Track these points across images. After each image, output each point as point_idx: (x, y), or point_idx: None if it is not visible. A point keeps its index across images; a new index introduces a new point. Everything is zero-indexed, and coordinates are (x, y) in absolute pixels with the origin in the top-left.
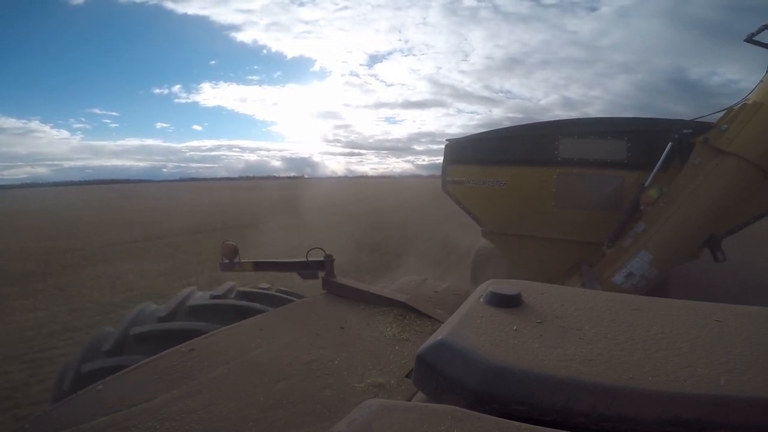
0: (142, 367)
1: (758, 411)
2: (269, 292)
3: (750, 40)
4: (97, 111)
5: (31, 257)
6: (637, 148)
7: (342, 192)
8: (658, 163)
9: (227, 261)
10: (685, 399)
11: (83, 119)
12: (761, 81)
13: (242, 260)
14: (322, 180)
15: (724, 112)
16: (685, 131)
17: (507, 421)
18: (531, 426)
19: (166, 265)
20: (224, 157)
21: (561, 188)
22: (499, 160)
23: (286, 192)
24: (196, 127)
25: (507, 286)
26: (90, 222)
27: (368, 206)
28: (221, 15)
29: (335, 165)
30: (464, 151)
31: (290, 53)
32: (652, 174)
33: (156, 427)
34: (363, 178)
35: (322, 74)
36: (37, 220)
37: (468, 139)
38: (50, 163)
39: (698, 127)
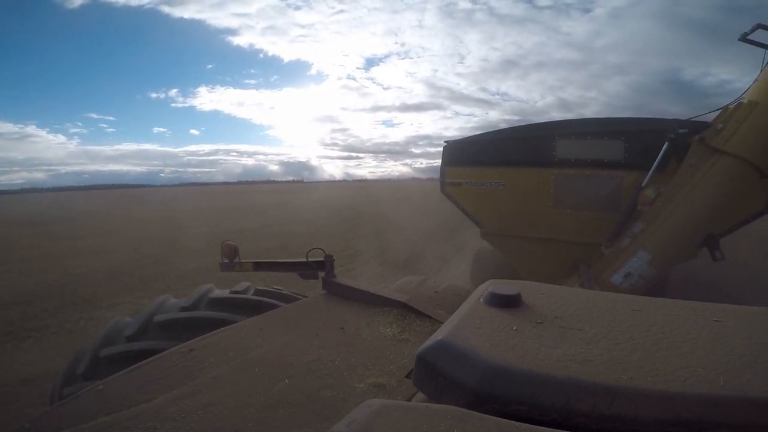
0: (142, 367)
1: (758, 411)
2: (284, 292)
3: (744, 39)
4: (94, 115)
5: (215, 236)
6: (634, 148)
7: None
8: (655, 163)
9: (227, 261)
10: (685, 399)
11: (80, 124)
12: (756, 80)
13: (242, 260)
14: (327, 183)
15: (719, 111)
16: (681, 131)
17: (507, 421)
18: (531, 426)
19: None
20: (222, 161)
21: (559, 189)
22: (498, 161)
23: (309, 195)
24: (194, 131)
25: (507, 287)
26: (196, 214)
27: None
28: (217, 19)
29: (333, 169)
30: (462, 153)
31: (287, 57)
32: (649, 174)
33: (156, 427)
34: (362, 182)
35: (319, 78)
36: (142, 214)
37: (466, 140)
38: (47, 168)
39: (694, 127)
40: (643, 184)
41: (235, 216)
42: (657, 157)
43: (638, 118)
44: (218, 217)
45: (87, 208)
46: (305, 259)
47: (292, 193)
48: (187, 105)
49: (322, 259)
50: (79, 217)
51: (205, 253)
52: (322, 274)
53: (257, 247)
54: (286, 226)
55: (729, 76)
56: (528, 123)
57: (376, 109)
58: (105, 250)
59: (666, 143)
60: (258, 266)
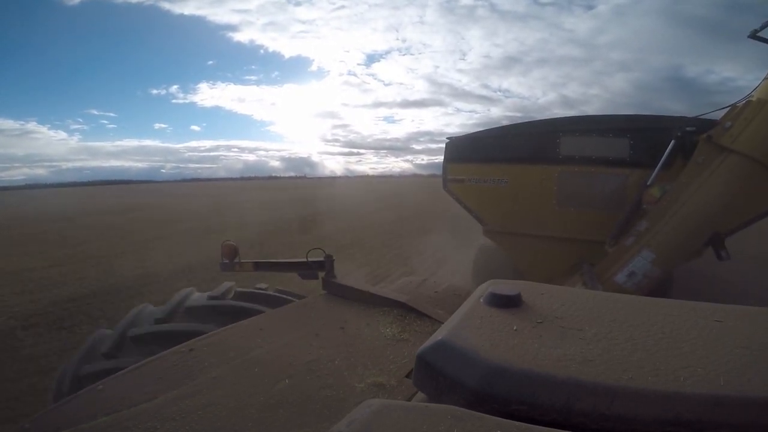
0: (142, 367)
1: (758, 411)
2: (267, 293)
3: (754, 36)
4: (95, 112)
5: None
6: (640, 146)
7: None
8: (661, 161)
9: (227, 261)
10: (685, 399)
11: (81, 120)
12: (766, 78)
13: (242, 260)
14: (335, 179)
15: (727, 109)
16: (688, 129)
17: (507, 421)
18: (531, 426)
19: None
20: (223, 157)
21: (562, 186)
22: (501, 158)
23: (336, 188)
24: (195, 127)
25: (507, 287)
26: (262, 204)
27: None
28: (218, 15)
29: (334, 165)
30: (465, 150)
31: (288, 53)
32: (655, 172)
33: (156, 427)
34: (364, 178)
35: (320, 74)
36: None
37: (469, 137)
38: (48, 164)
39: (701, 125)
40: (649, 183)
41: (305, 204)
42: (663, 155)
43: (644, 115)
44: (291, 206)
45: (144, 200)
46: (305, 259)
47: (312, 187)
48: (187, 101)
49: (322, 259)
50: (164, 205)
51: (313, 227)
52: (322, 274)
53: (361, 222)
54: (360, 208)
55: (732, 74)
56: (530, 120)
57: (377, 105)
58: (223, 229)
59: (673, 141)
60: (258, 266)
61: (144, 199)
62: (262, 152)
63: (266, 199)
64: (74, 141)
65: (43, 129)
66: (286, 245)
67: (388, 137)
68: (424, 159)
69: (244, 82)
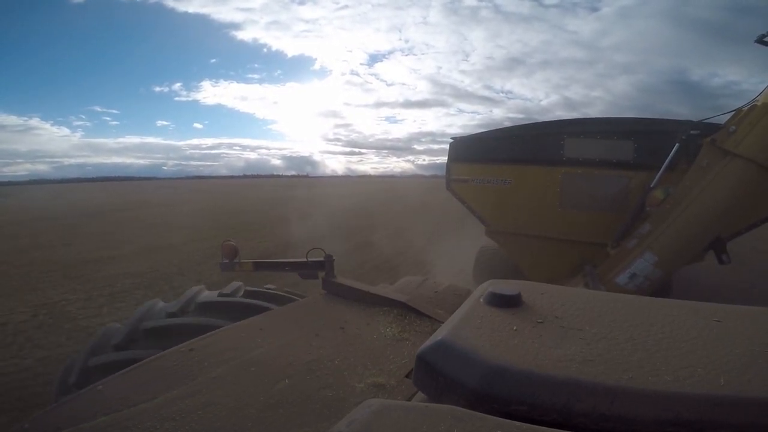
0: (142, 367)
1: (758, 411)
2: (276, 292)
3: (761, 41)
4: (98, 108)
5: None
6: (644, 148)
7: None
8: (665, 164)
9: (227, 261)
10: (685, 399)
11: (83, 117)
12: None
13: (242, 260)
14: (339, 178)
15: (732, 113)
16: (692, 132)
17: (507, 421)
18: (531, 426)
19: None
20: (225, 155)
21: (566, 188)
22: (504, 158)
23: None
24: (197, 125)
25: (507, 287)
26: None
27: None
28: (221, 13)
29: (336, 164)
30: (469, 150)
31: (290, 52)
32: (659, 175)
33: (156, 427)
34: (366, 178)
35: (323, 73)
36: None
37: (473, 137)
38: (50, 160)
39: (706, 129)
40: (652, 185)
41: (370, 199)
42: (666, 158)
43: (649, 118)
44: (357, 201)
45: (191, 195)
46: (305, 259)
47: (335, 185)
48: (190, 99)
49: (322, 259)
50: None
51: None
52: (322, 274)
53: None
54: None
55: (736, 77)
56: (532, 121)
57: (379, 105)
58: (289, 219)
59: (677, 144)
60: (258, 266)
61: (191, 195)
62: (264, 150)
63: (353, 192)
64: (77, 137)
65: (46, 125)
66: None
67: (390, 137)
68: (425, 159)
69: (246, 81)
